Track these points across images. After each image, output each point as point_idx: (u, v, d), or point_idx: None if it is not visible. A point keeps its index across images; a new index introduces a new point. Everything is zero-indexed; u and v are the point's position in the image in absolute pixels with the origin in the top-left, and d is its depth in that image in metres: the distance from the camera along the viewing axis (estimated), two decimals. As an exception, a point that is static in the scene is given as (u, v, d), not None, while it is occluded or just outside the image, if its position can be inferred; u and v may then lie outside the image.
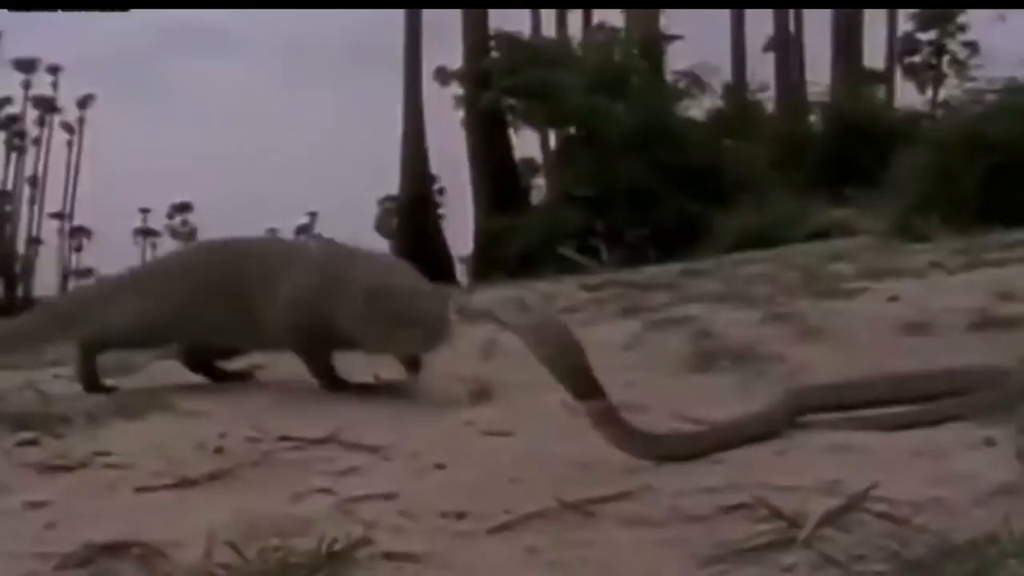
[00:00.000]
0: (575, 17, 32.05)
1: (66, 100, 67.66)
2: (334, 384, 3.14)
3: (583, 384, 2.04)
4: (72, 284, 61.86)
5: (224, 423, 2.55)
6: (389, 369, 3.24)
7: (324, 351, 3.14)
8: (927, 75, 38.86)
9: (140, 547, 1.55)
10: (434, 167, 32.09)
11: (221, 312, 3.19)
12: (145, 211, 75.45)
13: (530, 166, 34.80)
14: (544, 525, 1.65)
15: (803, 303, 4.73)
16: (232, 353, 3.44)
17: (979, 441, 1.96)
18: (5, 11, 31.97)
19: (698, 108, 25.45)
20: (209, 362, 3.43)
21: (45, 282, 58.91)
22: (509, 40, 26.90)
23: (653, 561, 1.47)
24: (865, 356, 3.28)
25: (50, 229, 67.74)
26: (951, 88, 29.39)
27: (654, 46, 25.37)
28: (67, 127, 68.48)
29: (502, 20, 28.86)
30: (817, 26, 30.94)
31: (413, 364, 3.21)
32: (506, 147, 27.92)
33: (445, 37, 30.14)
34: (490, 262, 21.18)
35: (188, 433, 2.47)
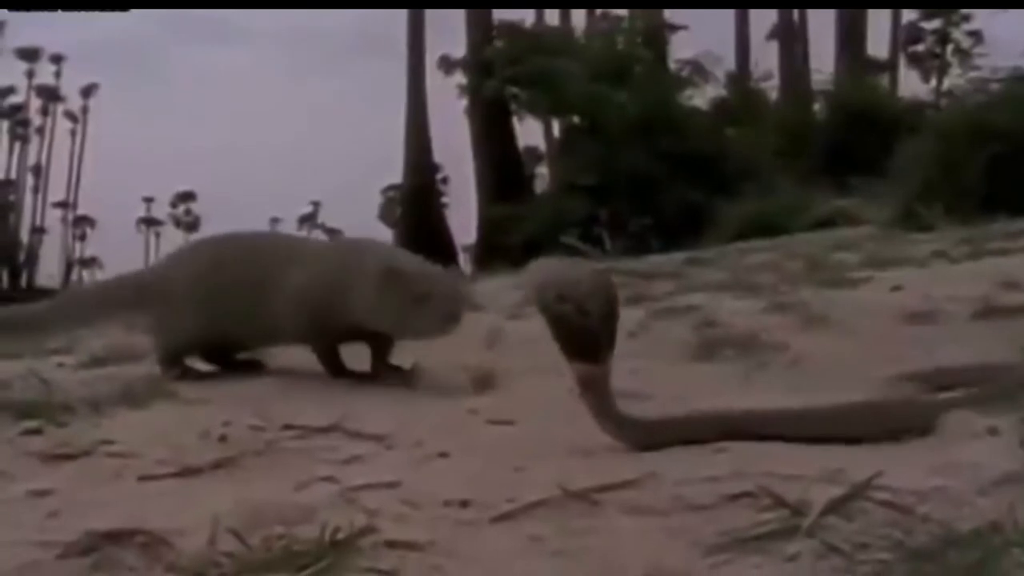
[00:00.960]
0: (578, 6, 31.96)
1: (69, 89, 67.85)
2: (339, 372, 3.15)
3: (572, 342, 2.04)
4: (76, 273, 62.02)
5: (228, 411, 2.55)
6: (396, 358, 3.24)
7: (331, 341, 3.15)
8: (931, 64, 38.74)
9: (144, 535, 1.55)
10: (437, 156, 32.17)
11: (239, 306, 3.20)
12: (149, 200, 75.64)
13: (533, 155, 34.80)
14: (547, 514, 1.64)
15: (807, 292, 4.73)
16: (243, 349, 3.44)
17: (982, 430, 1.97)
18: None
19: (701, 97, 25.53)
20: (222, 352, 3.43)
21: (49, 271, 59.07)
22: (512, 29, 26.87)
23: (657, 550, 1.47)
24: (868, 345, 3.28)
25: (54, 218, 68.04)
26: (955, 77, 29.26)
27: (657, 35, 25.33)
28: (70, 116, 68.61)
29: (506, 9, 28.82)
30: (821, 15, 30.88)
31: (381, 353, 3.17)
32: (509, 136, 27.92)
33: (449, 26, 30.12)
34: (493, 251, 21.20)
35: (192, 421, 2.47)
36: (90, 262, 68.87)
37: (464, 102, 28.61)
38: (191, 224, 72.21)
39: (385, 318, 3.00)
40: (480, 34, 27.32)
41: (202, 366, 3.40)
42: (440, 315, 2.95)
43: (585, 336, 2.03)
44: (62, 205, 68.73)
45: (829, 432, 2.01)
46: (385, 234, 38.81)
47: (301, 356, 3.24)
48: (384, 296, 2.95)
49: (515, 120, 27.53)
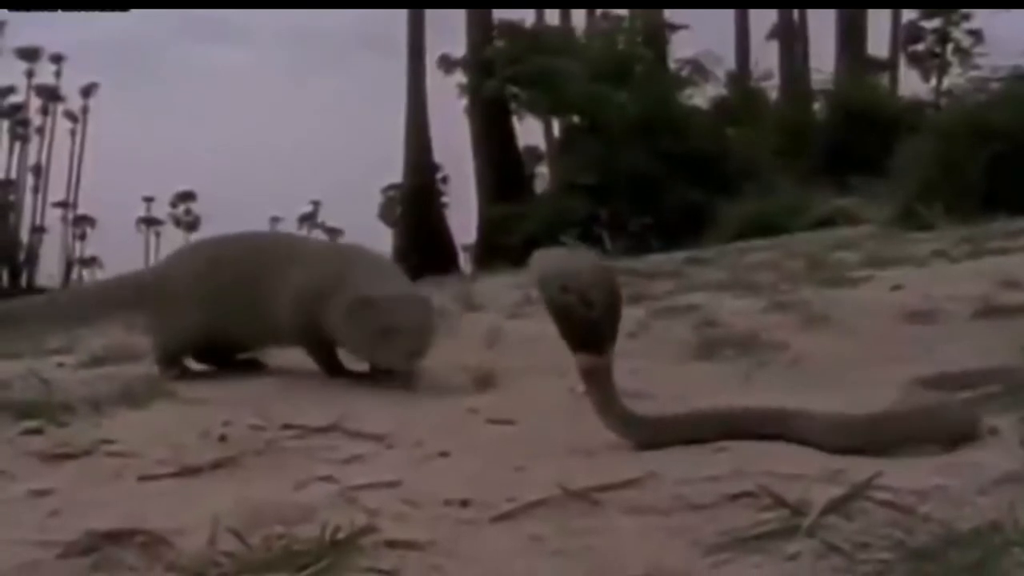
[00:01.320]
0: (578, 5, 31.93)
1: (69, 89, 67.84)
2: (336, 372, 3.16)
3: (575, 333, 2.04)
4: (76, 273, 62.02)
5: (228, 411, 2.55)
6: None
7: (325, 345, 3.15)
8: (931, 63, 38.69)
9: (144, 535, 1.55)
10: (438, 156, 32.12)
11: (238, 307, 3.20)
12: (149, 200, 75.63)
13: (533, 154, 34.79)
14: (548, 513, 1.64)
15: (807, 291, 4.73)
16: (242, 349, 3.44)
17: (983, 430, 1.96)
18: (7, -1, 32.03)
19: (702, 96, 25.52)
20: (218, 352, 3.42)
21: (49, 271, 59.08)
22: (512, 29, 26.86)
23: (657, 549, 1.47)
24: (869, 344, 3.28)
25: (54, 218, 68.02)
26: (955, 77, 29.20)
27: (657, 35, 25.33)
28: (70, 116, 68.60)
29: (506, 9, 28.81)
30: (821, 14, 30.87)
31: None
32: (509, 135, 27.90)
33: (449, 26, 30.10)
34: (493, 251, 21.19)
35: (192, 421, 2.47)
36: (90, 262, 68.92)
37: (464, 102, 28.61)
38: (191, 224, 72.19)
39: (351, 343, 3.05)
40: (480, 34, 27.29)
41: (197, 366, 3.41)
42: (401, 352, 2.97)
43: (588, 327, 2.03)
44: (62, 205, 68.76)
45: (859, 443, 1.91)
46: (385, 234, 38.84)
47: (301, 356, 3.24)
48: (352, 323, 2.97)
49: (515, 120, 27.52)
